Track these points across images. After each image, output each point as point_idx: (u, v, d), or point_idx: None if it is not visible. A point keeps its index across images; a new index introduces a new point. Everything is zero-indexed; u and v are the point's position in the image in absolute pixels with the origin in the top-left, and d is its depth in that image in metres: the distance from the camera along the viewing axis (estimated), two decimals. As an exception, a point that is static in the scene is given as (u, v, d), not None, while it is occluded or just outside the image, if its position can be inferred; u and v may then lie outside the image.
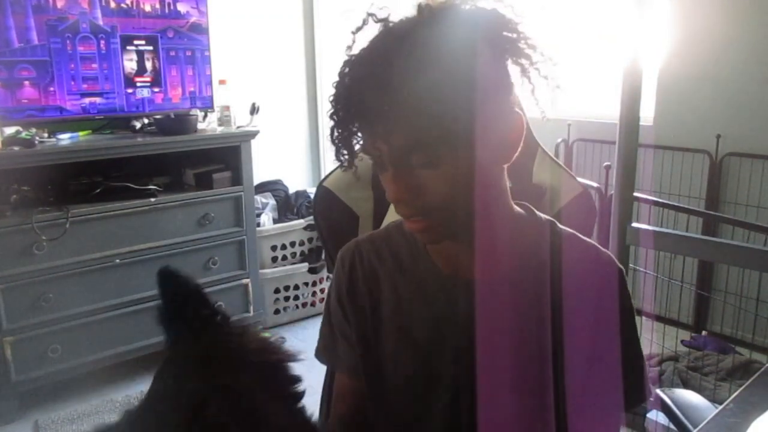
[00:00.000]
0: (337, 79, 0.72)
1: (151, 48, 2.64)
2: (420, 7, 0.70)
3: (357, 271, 0.86)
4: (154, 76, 2.68)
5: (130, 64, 2.61)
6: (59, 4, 2.41)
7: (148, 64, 2.65)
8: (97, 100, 2.57)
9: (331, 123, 0.73)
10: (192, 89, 2.79)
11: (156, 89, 2.69)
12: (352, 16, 0.75)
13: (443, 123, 0.66)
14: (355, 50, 0.72)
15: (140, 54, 2.63)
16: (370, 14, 0.72)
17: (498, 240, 0.78)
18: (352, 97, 0.69)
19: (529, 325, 0.78)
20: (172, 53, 2.72)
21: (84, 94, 2.53)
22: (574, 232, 0.84)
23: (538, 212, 0.84)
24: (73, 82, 2.49)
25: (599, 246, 0.83)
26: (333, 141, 0.73)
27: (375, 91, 0.66)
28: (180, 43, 2.73)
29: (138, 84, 2.65)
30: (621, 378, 0.78)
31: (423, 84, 0.65)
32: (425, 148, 0.68)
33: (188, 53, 2.76)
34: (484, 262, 0.78)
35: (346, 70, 0.71)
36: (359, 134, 0.72)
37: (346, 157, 0.73)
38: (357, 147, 0.73)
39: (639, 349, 0.82)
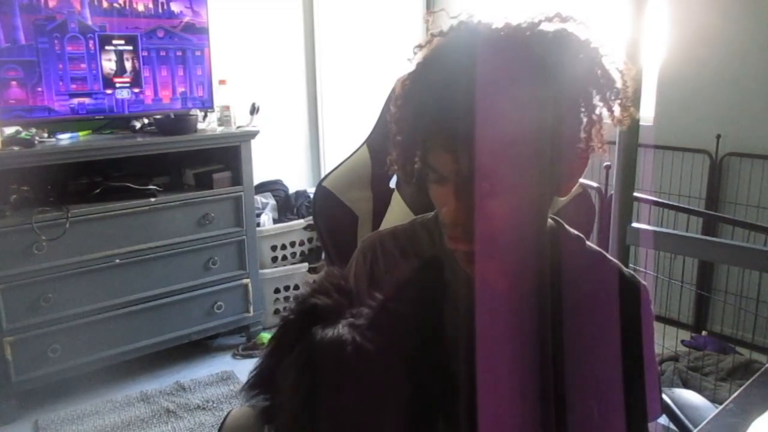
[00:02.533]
0: (408, 84, 0.71)
1: (131, 48, 2.59)
2: (508, 27, 0.69)
3: (379, 265, 0.85)
4: (134, 77, 2.62)
5: (108, 64, 2.56)
6: (51, 4, 2.38)
7: (128, 65, 2.60)
8: (86, 100, 2.54)
9: (397, 130, 0.73)
10: (183, 90, 2.76)
11: (136, 89, 2.64)
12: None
13: (520, 151, 0.66)
14: (429, 57, 0.70)
15: (122, 54, 2.58)
16: (454, 17, 0.71)
17: (529, 255, 0.79)
18: (433, 110, 0.67)
19: (546, 339, 0.78)
20: (162, 53, 2.68)
21: (72, 95, 2.50)
22: (601, 250, 0.85)
23: (568, 227, 0.85)
24: (61, 83, 2.46)
25: (622, 266, 0.85)
26: (397, 152, 0.73)
27: (462, 110, 0.64)
28: (170, 43, 2.69)
29: (117, 84, 2.59)
30: (630, 404, 0.79)
31: (509, 110, 0.65)
32: (495, 176, 0.67)
33: (179, 53, 2.72)
34: (512, 273, 0.79)
35: (424, 76, 0.70)
36: (423, 147, 0.70)
37: (408, 169, 0.74)
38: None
39: (643, 370, 0.82)
